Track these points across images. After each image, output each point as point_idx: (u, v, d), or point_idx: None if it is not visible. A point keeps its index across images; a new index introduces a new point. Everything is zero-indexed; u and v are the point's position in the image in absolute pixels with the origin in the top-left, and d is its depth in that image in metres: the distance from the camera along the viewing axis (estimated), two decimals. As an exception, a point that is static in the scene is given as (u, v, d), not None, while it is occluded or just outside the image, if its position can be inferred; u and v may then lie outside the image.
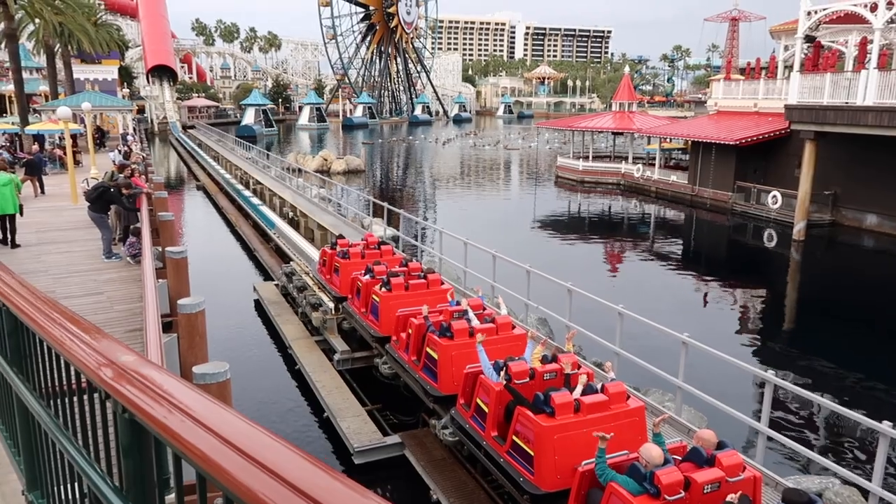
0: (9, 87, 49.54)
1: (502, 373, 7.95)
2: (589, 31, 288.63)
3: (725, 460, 6.05)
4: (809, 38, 30.22)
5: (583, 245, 29.17)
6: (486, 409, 8.17)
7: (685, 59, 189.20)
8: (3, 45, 41.22)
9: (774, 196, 31.71)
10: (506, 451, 7.70)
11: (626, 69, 55.15)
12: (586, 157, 46.90)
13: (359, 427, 10.93)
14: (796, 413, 12.79)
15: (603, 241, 30.08)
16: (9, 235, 14.26)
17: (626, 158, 45.52)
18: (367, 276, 12.72)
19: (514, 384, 7.80)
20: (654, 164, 41.99)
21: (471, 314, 10.21)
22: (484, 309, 10.82)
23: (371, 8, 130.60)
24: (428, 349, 9.93)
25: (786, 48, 39.75)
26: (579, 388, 7.49)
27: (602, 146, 53.86)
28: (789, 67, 36.08)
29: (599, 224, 34.91)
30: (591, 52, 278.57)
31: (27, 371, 3.14)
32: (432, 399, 9.83)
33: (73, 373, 2.54)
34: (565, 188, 44.51)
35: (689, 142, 38.70)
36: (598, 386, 7.73)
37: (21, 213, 14.94)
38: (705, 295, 22.32)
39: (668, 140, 42.27)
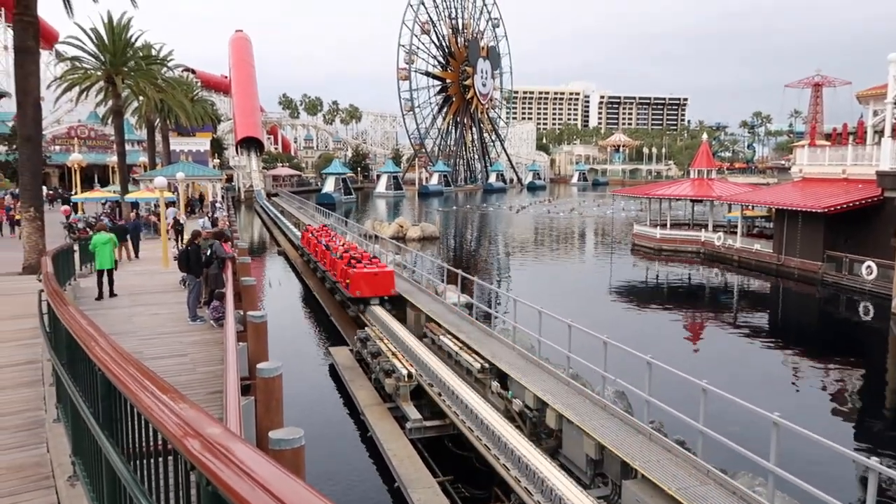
0: (112, 159, 53.49)
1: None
2: (664, 99, 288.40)
3: None
4: (900, 103, 29.12)
5: (662, 315, 28.27)
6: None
7: (766, 125, 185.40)
8: (110, 121, 44.77)
9: (869, 266, 30.03)
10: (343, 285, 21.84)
11: (704, 136, 54.38)
12: (664, 225, 46.03)
13: (429, 499, 10.69)
14: (905, 504, 11.68)
15: (683, 312, 29.08)
16: (105, 288, 16.23)
17: (705, 226, 44.39)
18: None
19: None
20: (735, 233, 40.73)
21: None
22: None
23: (448, 81, 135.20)
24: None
25: (875, 113, 38.40)
26: None
27: (680, 214, 52.84)
28: (879, 133, 34.75)
29: (679, 293, 33.86)
30: (667, 120, 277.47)
31: (116, 435, 3.24)
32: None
33: (160, 439, 2.60)
34: (642, 256, 43.62)
35: (774, 209, 37.45)
36: None
37: (116, 268, 17.06)
38: (796, 371, 21.05)
39: (750, 207, 41.05)
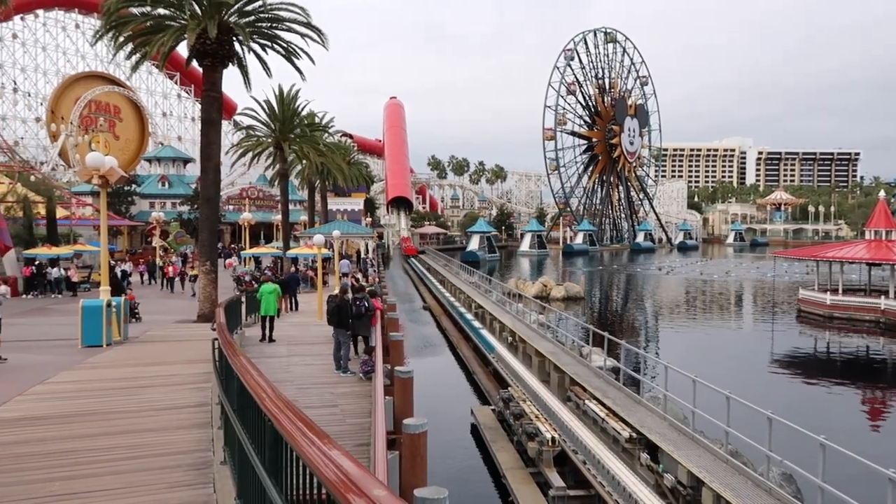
0: (277, 217, 58.12)
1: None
2: (832, 154, 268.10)
3: None
4: None
5: (836, 390, 25.57)
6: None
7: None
8: (276, 182, 48.84)
9: None
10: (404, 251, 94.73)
11: (882, 193, 49.56)
12: (835, 291, 42.09)
13: (574, 574, 10.19)
14: None
15: (861, 388, 26.12)
16: (267, 332, 17.99)
17: (885, 293, 40.04)
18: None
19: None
20: (922, 301, 36.37)
21: None
22: None
23: (594, 140, 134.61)
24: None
25: None
26: None
27: (854, 277, 48.12)
28: None
29: (855, 367, 30.54)
30: (836, 176, 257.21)
31: (281, 482, 3.40)
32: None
33: (323, 491, 2.68)
34: (809, 324, 40.00)
35: (969, 275, 33.11)
36: None
37: (279, 316, 19.05)
38: None
39: (939, 273, 36.59)
